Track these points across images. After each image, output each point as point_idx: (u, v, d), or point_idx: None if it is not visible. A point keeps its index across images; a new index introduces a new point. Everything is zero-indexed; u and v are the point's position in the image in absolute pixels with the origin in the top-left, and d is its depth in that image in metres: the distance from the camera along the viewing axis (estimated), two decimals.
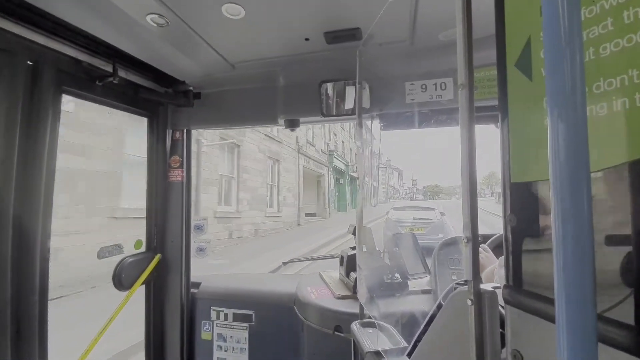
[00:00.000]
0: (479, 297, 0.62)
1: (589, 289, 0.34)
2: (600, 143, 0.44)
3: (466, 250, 0.63)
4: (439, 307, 0.87)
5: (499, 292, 0.63)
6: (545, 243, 0.55)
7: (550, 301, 0.50)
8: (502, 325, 0.65)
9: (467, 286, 0.64)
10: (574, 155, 0.33)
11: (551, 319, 0.50)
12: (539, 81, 0.54)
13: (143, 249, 1.84)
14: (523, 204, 0.58)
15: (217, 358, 1.93)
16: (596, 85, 0.46)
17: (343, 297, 1.57)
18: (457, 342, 0.73)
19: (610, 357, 0.43)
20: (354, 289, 1.58)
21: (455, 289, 0.84)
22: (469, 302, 0.63)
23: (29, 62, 1.23)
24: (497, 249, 1.51)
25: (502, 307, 0.65)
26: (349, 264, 1.71)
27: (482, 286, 0.63)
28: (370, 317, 1.24)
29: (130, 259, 1.70)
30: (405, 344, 1.03)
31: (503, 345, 0.65)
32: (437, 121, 1.56)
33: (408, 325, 1.16)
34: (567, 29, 0.33)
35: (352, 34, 1.36)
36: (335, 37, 1.38)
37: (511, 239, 0.59)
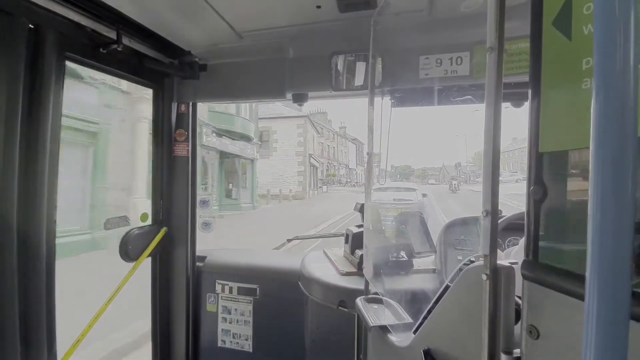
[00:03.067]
0: (495, 272, 0.60)
1: (626, 264, 0.31)
2: None
3: (484, 223, 0.61)
4: (447, 288, 0.86)
5: (517, 267, 0.61)
6: (573, 216, 0.52)
7: (576, 276, 0.48)
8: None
9: (482, 261, 0.63)
10: (620, 123, 0.30)
11: (574, 294, 0.48)
12: (580, 40, 0.50)
13: (149, 222, 1.84)
14: (550, 176, 0.55)
15: (222, 329, 1.97)
16: None
17: (348, 274, 1.58)
18: (467, 318, 0.72)
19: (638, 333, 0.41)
20: (358, 266, 1.58)
21: (461, 270, 0.83)
22: (484, 277, 0.61)
23: (30, 25, 1.19)
24: (504, 232, 1.49)
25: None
26: (354, 241, 1.71)
27: (498, 261, 0.61)
28: (375, 293, 1.24)
29: (137, 231, 1.71)
30: (411, 320, 1.04)
31: (515, 322, 0.64)
32: (451, 98, 1.50)
33: (412, 303, 1.16)
34: None
35: (366, 1, 1.29)
36: (349, 4, 1.31)
37: (534, 213, 0.56)
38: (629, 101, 0.30)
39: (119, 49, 1.42)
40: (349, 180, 51.18)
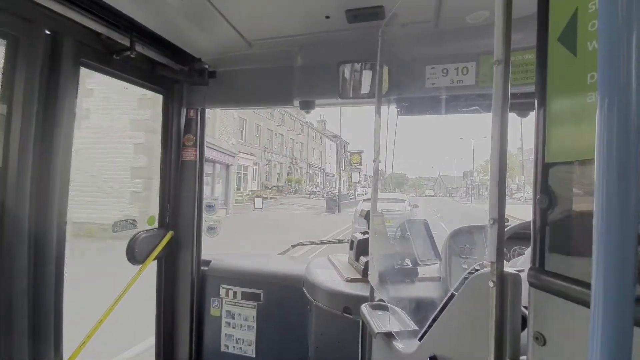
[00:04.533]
0: (502, 279, 0.61)
1: (630, 272, 0.33)
2: None
3: (491, 231, 0.62)
4: (452, 296, 0.87)
5: (523, 275, 0.62)
6: (579, 225, 0.53)
7: (582, 284, 0.49)
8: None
9: (489, 268, 0.63)
10: (625, 136, 0.32)
11: (580, 301, 0.49)
12: (585, 56, 0.52)
13: (156, 225, 1.86)
14: (556, 185, 0.56)
15: (225, 334, 1.97)
16: None
17: (352, 280, 1.58)
18: (473, 325, 0.73)
19: None
20: (363, 273, 1.59)
21: (467, 278, 0.84)
22: (491, 284, 0.62)
23: (47, 32, 1.23)
24: (509, 241, 1.49)
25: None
26: (359, 248, 1.72)
27: (505, 269, 0.62)
28: (380, 300, 1.25)
29: (144, 235, 1.73)
30: (416, 328, 1.04)
31: (521, 328, 0.64)
32: (456, 107, 1.52)
33: (417, 310, 1.16)
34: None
35: (374, 12, 1.32)
36: (357, 15, 1.34)
37: (540, 221, 0.57)
38: (631, 114, 0.31)
39: (132, 55, 1.46)
40: (315, 190, 33.16)
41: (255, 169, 26.59)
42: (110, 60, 1.45)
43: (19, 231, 1.17)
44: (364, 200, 12.27)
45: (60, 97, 1.27)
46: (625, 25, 0.32)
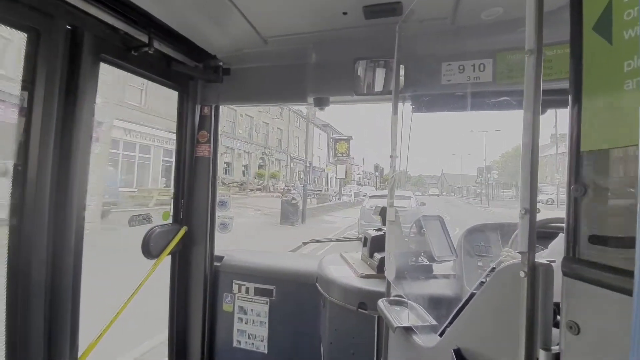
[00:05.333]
0: (534, 269, 0.61)
1: None
2: None
3: (523, 222, 0.62)
4: (471, 295, 0.86)
5: (555, 265, 0.62)
6: (615, 213, 0.53)
7: (619, 271, 0.49)
8: None
9: (520, 258, 0.63)
10: None
11: (617, 289, 0.49)
12: (621, 44, 0.52)
13: (170, 220, 1.88)
14: (591, 174, 0.56)
15: (238, 329, 1.99)
16: (627, 63, 0.44)
17: (367, 276, 1.58)
18: (500, 317, 0.72)
19: None
20: (378, 269, 1.59)
21: (489, 276, 0.83)
22: (522, 274, 0.62)
23: (67, 27, 1.24)
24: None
25: None
26: (373, 244, 1.72)
27: (537, 260, 0.62)
28: (398, 296, 1.25)
29: (158, 229, 1.74)
30: (435, 323, 1.04)
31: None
32: (473, 104, 1.52)
33: (434, 306, 1.16)
34: None
35: (392, 9, 1.32)
36: (375, 11, 1.35)
37: (574, 210, 0.57)
38: None
39: (150, 51, 1.48)
40: (290, 188, 24.05)
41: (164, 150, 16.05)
42: (128, 56, 1.47)
43: (40, 225, 1.19)
44: (370, 197, 12.37)
45: (80, 92, 1.28)
46: None
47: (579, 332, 0.55)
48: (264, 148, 25.40)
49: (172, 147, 2.02)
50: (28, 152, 1.16)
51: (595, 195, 0.55)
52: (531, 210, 0.61)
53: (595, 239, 0.55)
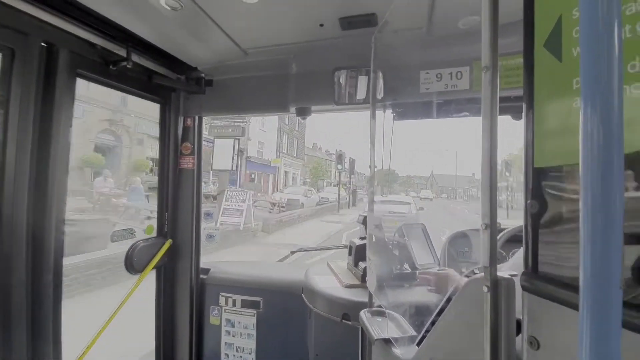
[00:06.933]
0: (496, 284, 0.61)
1: (616, 275, 0.33)
2: (632, 125, 0.43)
3: (484, 236, 0.62)
4: (448, 300, 0.86)
5: (516, 279, 0.62)
6: (568, 229, 0.53)
7: (572, 288, 0.50)
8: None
9: (482, 273, 0.64)
10: (607, 140, 0.32)
11: (571, 305, 0.49)
12: (570, 62, 0.53)
13: (154, 234, 1.86)
14: (545, 190, 0.56)
15: (225, 343, 1.96)
16: (631, 65, 0.44)
17: (351, 286, 1.58)
18: (469, 330, 0.72)
19: (632, 342, 0.42)
20: (362, 278, 1.58)
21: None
22: (485, 289, 0.62)
23: (42, 43, 1.24)
24: (507, 244, 1.49)
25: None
26: (358, 253, 1.71)
27: (499, 273, 0.62)
28: (379, 306, 1.24)
29: (142, 244, 1.73)
30: (415, 333, 1.03)
31: (517, 333, 0.64)
32: (451, 111, 1.53)
33: (416, 315, 1.16)
34: (605, 6, 0.32)
35: (367, 20, 1.33)
36: (351, 22, 1.36)
37: (531, 226, 0.57)
38: (614, 118, 0.32)
39: (128, 66, 1.47)
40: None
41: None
42: (106, 70, 1.46)
43: (17, 241, 1.17)
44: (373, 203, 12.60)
45: (56, 109, 1.27)
46: (605, 30, 0.33)
47: (538, 348, 0.55)
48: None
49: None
50: (4, 170, 1.15)
51: (550, 211, 0.55)
52: (491, 225, 0.61)
53: (551, 255, 0.55)
